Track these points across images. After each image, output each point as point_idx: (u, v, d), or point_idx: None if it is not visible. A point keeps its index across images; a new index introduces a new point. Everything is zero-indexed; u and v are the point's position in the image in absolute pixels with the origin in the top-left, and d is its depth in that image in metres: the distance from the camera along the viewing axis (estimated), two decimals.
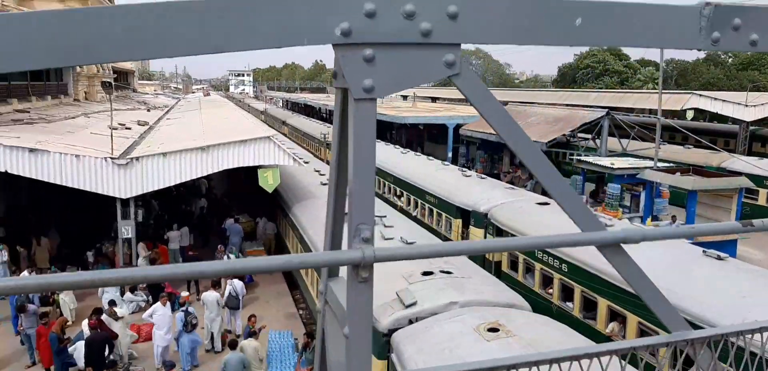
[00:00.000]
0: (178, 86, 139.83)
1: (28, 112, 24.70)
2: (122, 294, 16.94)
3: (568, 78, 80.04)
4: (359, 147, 1.76)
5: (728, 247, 16.17)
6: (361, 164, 1.76)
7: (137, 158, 16.44)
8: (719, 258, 12.31)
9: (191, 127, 23.67)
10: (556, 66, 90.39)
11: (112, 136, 16.73)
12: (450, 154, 39.16)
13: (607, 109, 30.85)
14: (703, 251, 12.47)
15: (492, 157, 38.76)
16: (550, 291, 15.60)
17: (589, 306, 14.15)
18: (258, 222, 23.83)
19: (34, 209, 23.10)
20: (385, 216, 16.01)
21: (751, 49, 2.08)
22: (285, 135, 55.07)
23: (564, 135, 30.32)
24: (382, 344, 10.24)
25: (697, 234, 2.11)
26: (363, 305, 1.79)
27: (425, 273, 11.31)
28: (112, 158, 16.27)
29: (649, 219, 23.87)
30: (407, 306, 10.24)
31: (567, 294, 15.01)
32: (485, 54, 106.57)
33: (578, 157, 28.44)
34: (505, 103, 46.29)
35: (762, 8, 2.04)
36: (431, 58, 1.80)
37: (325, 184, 21.64)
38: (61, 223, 21.57)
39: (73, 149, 16.57)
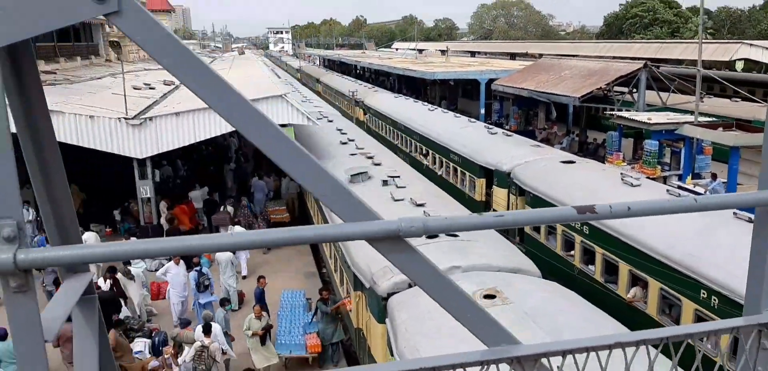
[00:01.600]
0: (217, 45, 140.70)
1: (55, 73, 25.03)
2: None
3: (614, 29, 76.59)
4: None
5: None
6: None
7: (151, 118, 16.35)
8: (751, 220, 11.36)
9: None
10: (602, 16, 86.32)
11: (125, 96, 16.68)
12: (482, 111, 38.06)
13: (645, 61, 29.14)
14: (734, 213, 11.54)
15: (527, 113, 37.44)
16: (573, 253, 14.96)
17: (611, 270, 13.46)
18: (282, 181, 23.85)
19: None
20: (398, 176, 15.57)
21: None
22: (318, 93, 54.85)
23: (600, 88, 28.81)
24: (381, 308, 9.99)
25: (502, 226, 1.56)
26: (24, 322, 1.35)
27: (430, 237, 10.87)
28: (126, 118, 16.24)
29: (689, 177, 22.63)
30: None
31: (589, 257, 14.34)
32: (526, 5, 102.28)
33: (615, 113, 27.06)
34: (539, 56, 44.49)
35: None
36: None
37: (344, 143, 21.29)
38: (86, 179, 21.95)
39: (89, 110, 16.61)
